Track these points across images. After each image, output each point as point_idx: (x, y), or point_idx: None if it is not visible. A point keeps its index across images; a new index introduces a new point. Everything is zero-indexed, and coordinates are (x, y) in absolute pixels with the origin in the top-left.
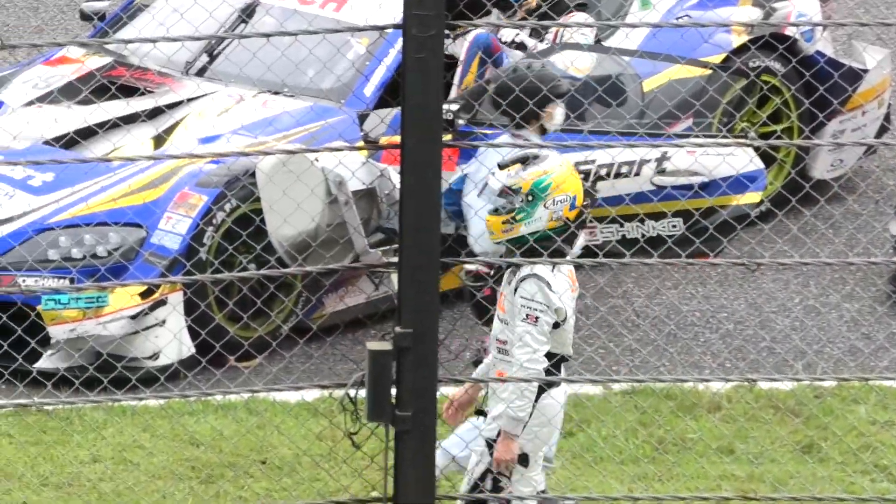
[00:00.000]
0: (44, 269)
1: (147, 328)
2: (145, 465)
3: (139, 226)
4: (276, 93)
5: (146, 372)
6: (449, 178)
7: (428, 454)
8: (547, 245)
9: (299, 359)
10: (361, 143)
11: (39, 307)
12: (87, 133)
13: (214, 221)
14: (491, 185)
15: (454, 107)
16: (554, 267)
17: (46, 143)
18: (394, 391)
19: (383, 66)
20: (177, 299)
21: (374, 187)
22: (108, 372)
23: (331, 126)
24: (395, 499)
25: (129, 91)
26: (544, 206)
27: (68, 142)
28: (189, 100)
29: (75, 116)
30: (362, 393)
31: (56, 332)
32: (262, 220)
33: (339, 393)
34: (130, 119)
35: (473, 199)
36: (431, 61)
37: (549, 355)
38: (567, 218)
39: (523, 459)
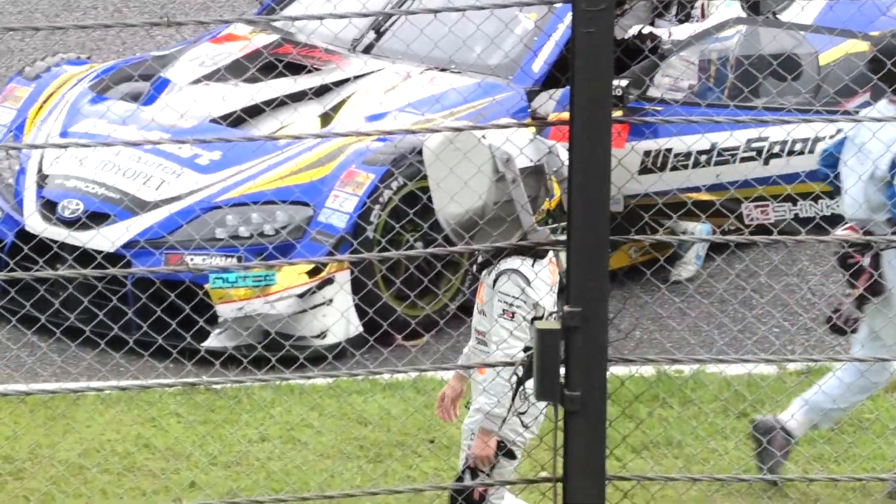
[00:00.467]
0: (211, 248)
1: (314, 307)
2: (313, 443)
3: (306, 204)
4: (444, 69)
5: (314, 351)
6: (825, 143)
7: (598, 434)
8: (522, 237)
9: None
10: (529, 120)
11: (207, 286)
12: (254, 111)
13: (381, 199)
14: None
15: (624, 82)
16: (533, 262)
17: (213, 121)
18: (562, 371)
19: (552, 41)
20: (344, 278)
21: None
22: (276, 351)
23: (498, 102)
24: (564, 479)
25: (296, 68)
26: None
27: (235, 120)
28: (356, 77)
29: (242, 94)
30: None
31: (224, 310)
32: (429, 198)
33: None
34: (297, 97)
35: (854, 164)
36: (601, 36)
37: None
38: (548, 209)
39: (509, 454)
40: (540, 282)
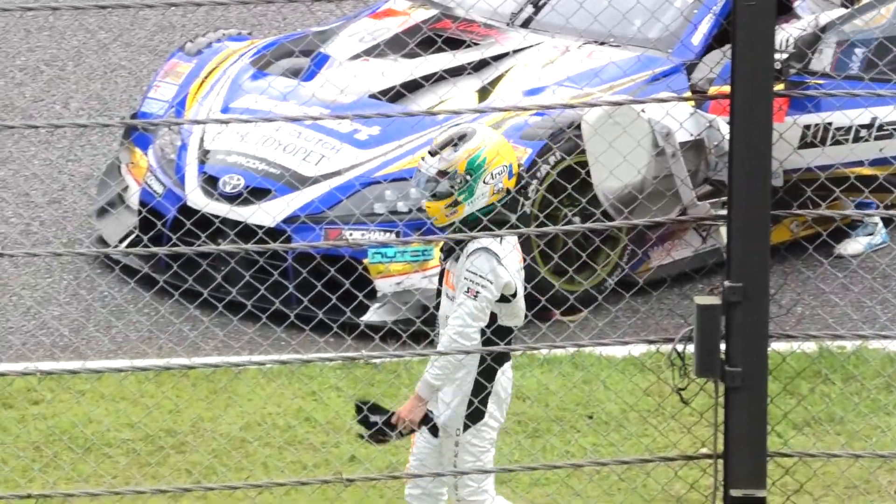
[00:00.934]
0: (370, 223)
1: None
2: None
3: None
4: (602, 43)
5: None
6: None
7: (759, 411)
8: (493, 218)
9: (625, 313)
10: (689, 94)
11: (366, 260)
12: (413, 86)
13: (539, 174)
14: (424, 173)
15: (784, 56)
16: (501, 239)
17: (372, 96)
18: (723, 346)
19: (711, 13)
20: None
21: (702, 139)
22: (434, 325)
23: (657, 76)
24: (725, 455)
25: (454, 43)
26: (483, 182)
27: (394, 95)
28: (514, 51)
29: (401, 70)
30: (690, 348)
31: (383, 285)
32: (587, 173)
33: (666, 348)
34: (456, 72)
35: None
36: (762, 8)
37: (501, 329)
38: (508, 187)
39: (428, 422)
40: (509, 260)
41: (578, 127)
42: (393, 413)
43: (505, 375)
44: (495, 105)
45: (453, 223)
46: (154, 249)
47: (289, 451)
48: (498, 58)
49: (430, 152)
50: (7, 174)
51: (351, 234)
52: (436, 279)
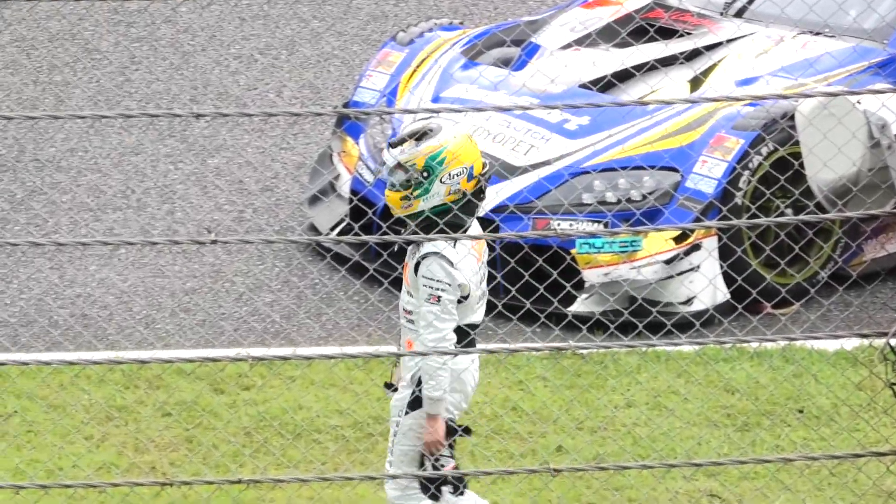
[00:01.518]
0: (579, 213)
1: (681, 273)
2: (680, 411)
3: (674, 170)
4: (817, 33)
5: (680, 317)
6: None
7: None
8: (447, 220)
9: (837, 306)
10: None
11: (574, 251)
12: (624, 76)
13: (751, 165)
14: (387, 163)
15: None
16: (455, 243)
17: (583, 86)
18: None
19: None
20: (711, 244)
21: None
22: (643, 317)
23: (874, 67)
24: None
25: (667, 33)
26: (440, 180)
27: (605, 85)
28: (728, 41)
29: (613, 59)
30: None
31: (590, 275)
32: (801, 164)
33: (879, 342)
34: (668, 61)
35: None
36: None
37: (460, 329)
38: (465, 190)
39: (452, 432)
40: (464, 264)
41: (792, 118)
42: (423, 456)
43: (467, 369)
44: (707, 95)
45: (419, 213)
46: (365, 238)
47: (495, 439)
48: (711, 48)
49: (390, 144)
50: (221, 162)
51: (559, 225)
52: (644, 270)
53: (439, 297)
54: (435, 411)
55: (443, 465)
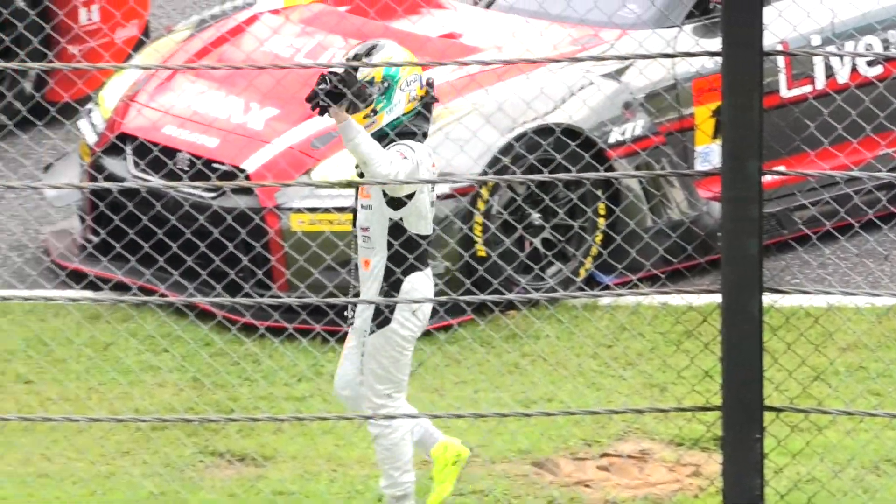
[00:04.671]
0: None
1: None
2: None
3: None
4: None
5: None
6: None
7: None
8: (404, 129)
9: None
10: None
11: None
12: None
13: None
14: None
15: None
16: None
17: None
18: None
19: None
20: None
21: None
22: None
23: None
24: None
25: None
26: (400, 89)
27: None
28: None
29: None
30: None
31: None
32: None
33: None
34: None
35: None
36: None
37: (411, 240)
38: (421, 96)
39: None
40: (422, 157)
41: None
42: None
43: (413, 286)
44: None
45: (381, 130)
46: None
47: None
48: None
49: (347, 60)
50: None
51: None
52: None
53: (405, 156)
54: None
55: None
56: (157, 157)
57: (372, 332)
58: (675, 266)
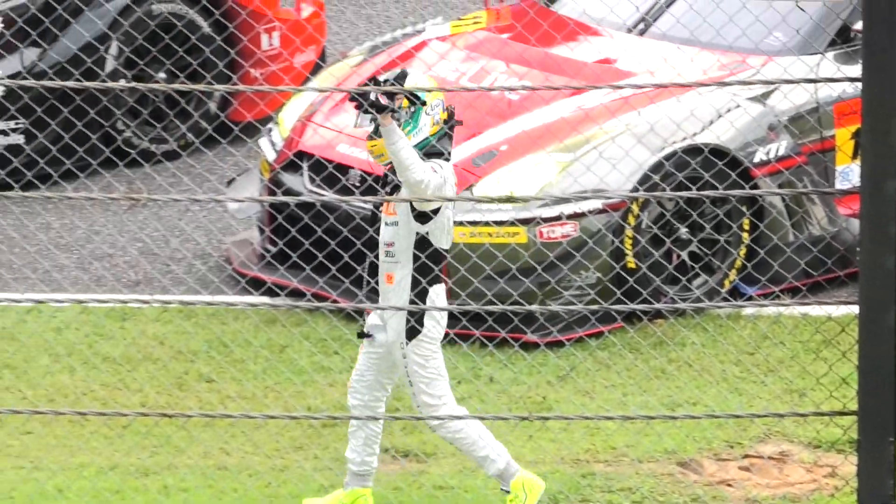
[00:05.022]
0: None
1: None
2: None
3: None
4: None
5: None
6: None
7: None
8: (429, 150)
9: None
10: None
11: None
12: None
13: None
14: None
15: None
16: (449, 158)
17: None
18: None
19: None
20: None
21: None
22: None
23: None
24: None
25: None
26: (425, 113)
27: None
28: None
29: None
30: None
31: None
32: None
33: None
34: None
35: None
36: None
37: (436, 253)
38: (444, 120)
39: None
40: (451, 175)
41: None
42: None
43: (438, 295)
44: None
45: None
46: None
47: None
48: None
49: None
50: None
51: None
52: None
53: (436, 170)
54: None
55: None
56: (331, 173)
57: (406, 344)
58: (816, 279)
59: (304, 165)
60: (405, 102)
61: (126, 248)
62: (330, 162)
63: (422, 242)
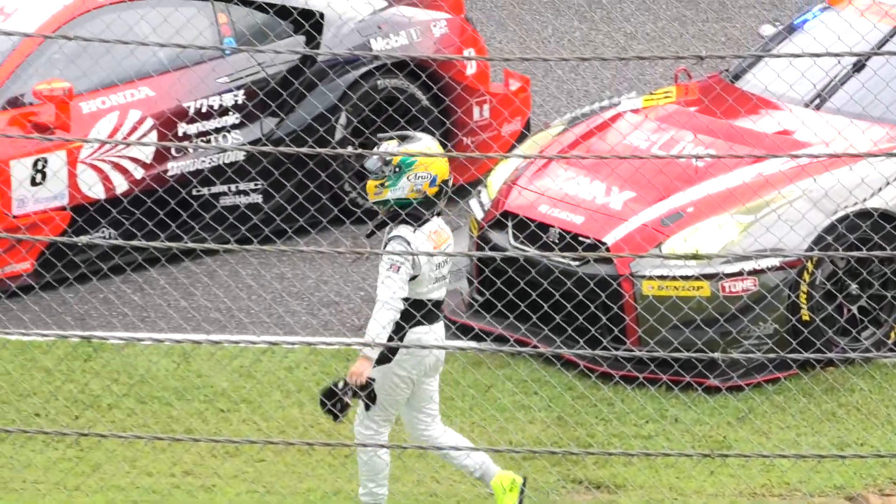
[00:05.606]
0: None
1: None
2: None
3: None
4: None
5: None
6: None
7: None
8: (408, 210)
9: None
10: None
11: None
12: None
13: None
14: (373, 157)
15: None
16: (415, 229)
17: None
18: None
19: None
20: None
21: None
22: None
23: None
24: None
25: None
26: (407, 178)
27: None
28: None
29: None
30: None
31: None
32: None
33: None
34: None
35: None
36: None
37: (417, 303)
38: (426, 191)
39: (368, 390)
40: (420, 243)
41: None
42: (343, 379)
43: (415, 335)
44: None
45: (383, 202)
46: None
47: None
48: None
49: (380, 138)
50: None
51: None
52: None
53: (399, 266)
54: (370, 354)
55: (346, 393)
56: (533, 231)
57: (377, 364)
58: None
59: (509, 224)
60: (395, 160)
61: (350, 297)
62: (532, 221)
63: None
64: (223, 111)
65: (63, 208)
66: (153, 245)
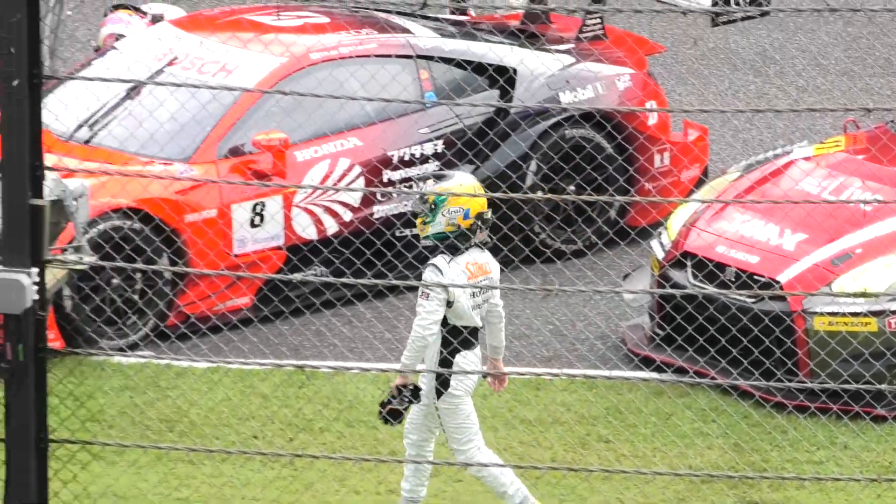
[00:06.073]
0: None
1: None
2: None
3: None
4: None
5: None
6: None
7: None
8: (446, 243)
9: None
10: None
11: None
12: None
13: None
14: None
15: None
16: (451, 259)
17: None
18: None
19: None
20: None
21: None
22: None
23: None
24: None
25: None
26: (442, 214)
27: None
28: None
29: None
30: None
31: None
32: None
33: None
34: None
35: None
36: None
37: (455, 329)
38: (460, 224)
39: (417, 390)
40: (452, 273)
41: None
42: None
43: (464, 360)
44: None
45: (427, 236)
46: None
47: None
48: None
49: (419, 178)
50: None
51: None
52: None
53: (428, 294)
54: (405, 370)
55: (390, 401)
56: (711, 270)
57: (438, 395)
58: None
59: (689, 264)
60: (430, 198)
61: (540, 330)
62: (710, 261)
63: (443, 322)
64: (424, 159)
65: (279, 248)
66: (361, 282)
